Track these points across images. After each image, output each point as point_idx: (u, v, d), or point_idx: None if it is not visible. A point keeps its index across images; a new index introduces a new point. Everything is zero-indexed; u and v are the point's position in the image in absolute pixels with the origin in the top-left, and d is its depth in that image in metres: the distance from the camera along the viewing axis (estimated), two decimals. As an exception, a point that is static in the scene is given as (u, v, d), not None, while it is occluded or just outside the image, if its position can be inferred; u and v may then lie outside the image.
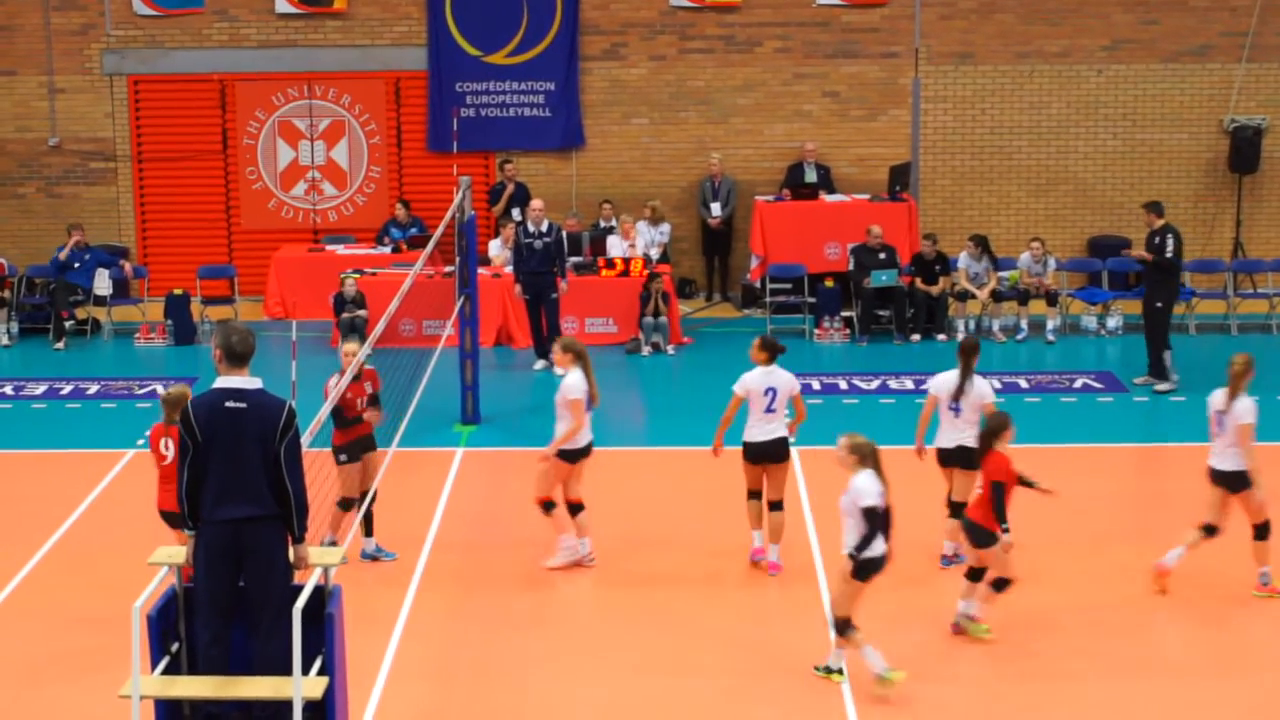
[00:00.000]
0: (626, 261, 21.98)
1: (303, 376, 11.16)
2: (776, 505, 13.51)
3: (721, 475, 13.87)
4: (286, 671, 8.45)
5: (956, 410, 13.39)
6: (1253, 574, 13.06)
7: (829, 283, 22.32)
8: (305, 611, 8.39)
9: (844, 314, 22.17)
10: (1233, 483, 12.85)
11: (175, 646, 8.85)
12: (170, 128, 24.14)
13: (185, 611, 8.84)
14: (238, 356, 8.78)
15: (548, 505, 13.61)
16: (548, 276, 20.25)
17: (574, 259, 21.72)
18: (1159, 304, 19.20)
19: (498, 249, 22.44)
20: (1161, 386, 19.18)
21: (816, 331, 22.05)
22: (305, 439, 9.40)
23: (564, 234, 20.79)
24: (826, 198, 23.17)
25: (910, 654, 11.76)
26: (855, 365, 20.63)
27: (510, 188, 23.47)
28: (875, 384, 19.69)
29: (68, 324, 21.94)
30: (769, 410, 13.33)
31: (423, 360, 16.73)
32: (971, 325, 22.01)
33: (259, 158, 24.21)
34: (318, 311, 21.87)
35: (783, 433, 13.44)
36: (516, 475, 15.66)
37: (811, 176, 23.54)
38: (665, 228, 23.44)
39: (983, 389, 13.46)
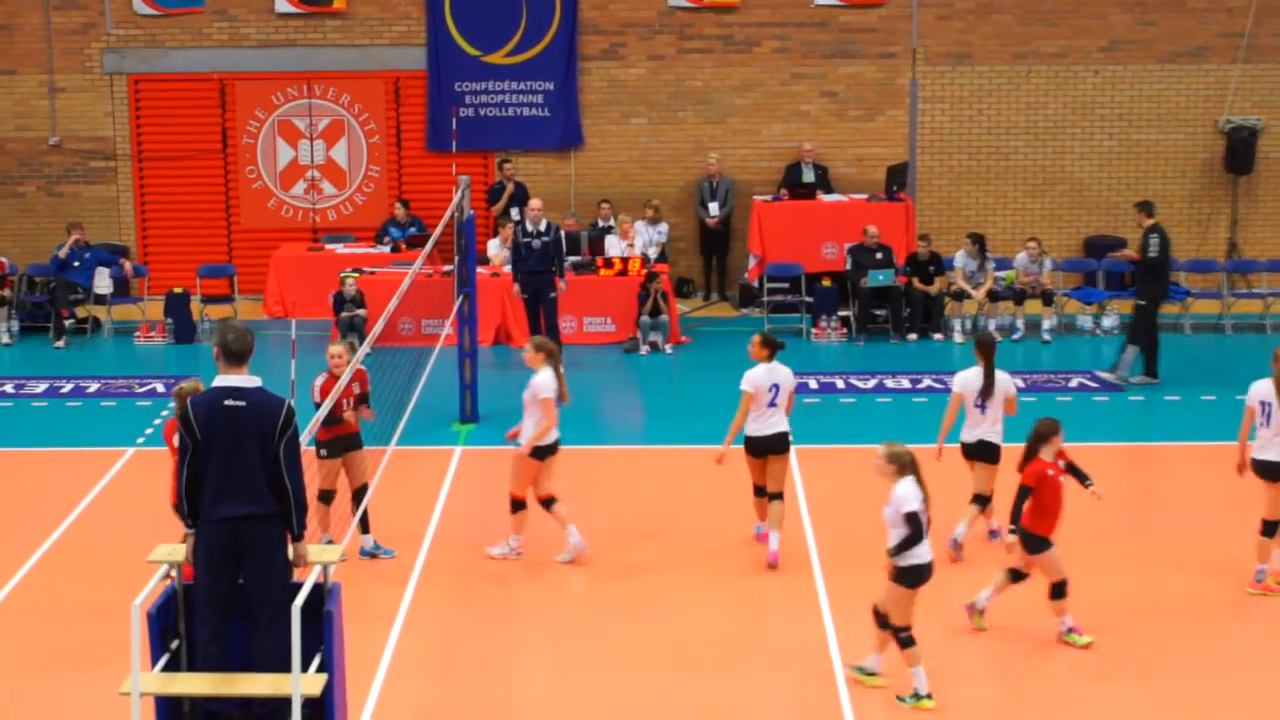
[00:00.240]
0: (625, 261, 22.02)
1: (302, 375, 11.22)
2: (776, 496, 13.67)
3: (719, 473, 13.90)
4: (286, 668, 8.47)
5: (983, 408, 13.52)
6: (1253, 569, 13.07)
7: (826, 282, 22.36)
8: (304, 609, 8.42)
9: (841, 313, 22.22)
10: (1277, 474, 12.70)
11: (175, 644, 8.89)
12: (170, 127, 24.19)
13: (185, 609, 8.88)
14: (235, 355, 8.83)
15: (517, 504, 13.72)
16: (546, 276, 20.30)
17: (572, 258, 21.77)
18: (1143, 302, 19.27)
19: (496, 248, 22.48)
20: (1107, 375, 19.32)
21: (813, 331, 22.10)
22: (304, 437, 9.46)
23: (562, 233, 20.84)
24: (824, 197, 23.22)
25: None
26: (852, 364, 20.67)
27: (509, 187, 23.51)
28: (872, 383, 19.73)
29: (68, 323, 21.97)
30: (771, 405, 13.51)
31: (421, 359, 16.77)
32: (968, 325, 22.06)
33: (259, 157, 24.26)
34: (317, 310, 21.92)
35: (784, 427, 13.60)
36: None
37: (809, 176, 23.59)
38: (663, 227, 23.48)
39: (1005, 383, 13.60)
